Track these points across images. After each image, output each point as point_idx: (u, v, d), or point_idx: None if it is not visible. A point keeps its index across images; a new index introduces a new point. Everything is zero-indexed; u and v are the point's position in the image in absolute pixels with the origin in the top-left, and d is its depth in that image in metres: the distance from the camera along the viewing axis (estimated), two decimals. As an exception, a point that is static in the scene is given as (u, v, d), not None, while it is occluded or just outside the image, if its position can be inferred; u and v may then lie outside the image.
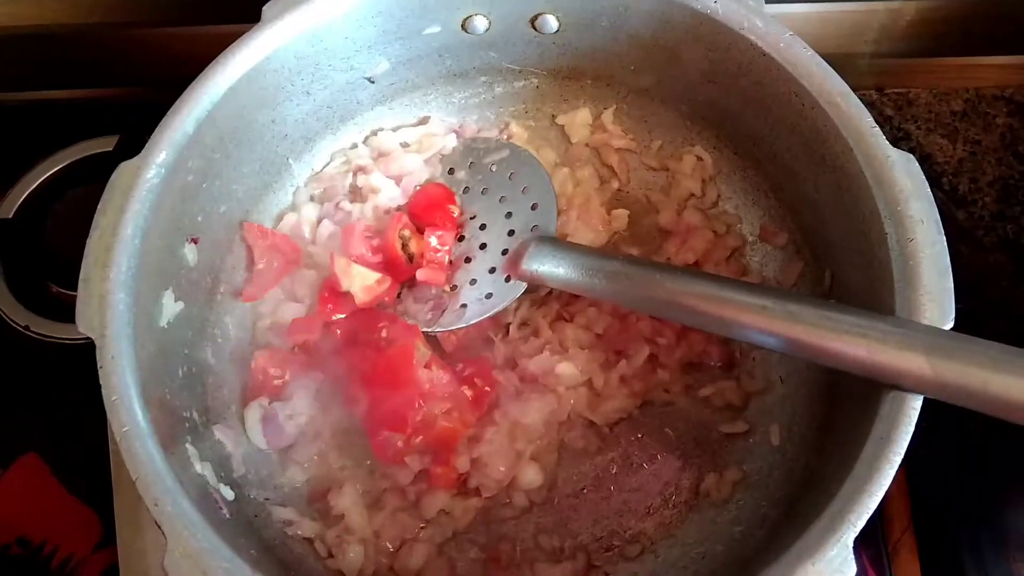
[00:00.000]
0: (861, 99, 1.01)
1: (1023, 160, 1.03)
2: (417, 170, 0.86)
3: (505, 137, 0.89)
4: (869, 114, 0.68)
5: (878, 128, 0.67)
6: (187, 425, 0.69)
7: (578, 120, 0.89)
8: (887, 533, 0.81)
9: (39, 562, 0.84)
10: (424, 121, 0.89)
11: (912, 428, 0.58)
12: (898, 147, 1.00)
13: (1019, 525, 0.76)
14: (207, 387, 0.76)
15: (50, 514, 0.85)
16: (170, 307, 0.71)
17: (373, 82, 0.84)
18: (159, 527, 0.56)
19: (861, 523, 0.55)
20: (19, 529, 0.85)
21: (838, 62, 0.70)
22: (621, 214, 0.86)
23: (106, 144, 1.00)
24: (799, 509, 0.67)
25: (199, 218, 0.74)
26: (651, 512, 0.77)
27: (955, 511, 0.81)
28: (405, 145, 0.88)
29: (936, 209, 0.64)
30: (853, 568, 0.55)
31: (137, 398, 0.61)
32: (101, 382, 0.61)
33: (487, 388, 0.77)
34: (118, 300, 0.63)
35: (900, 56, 1.07)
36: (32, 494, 0.86)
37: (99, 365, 0.61)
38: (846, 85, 0.69)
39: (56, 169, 1.00)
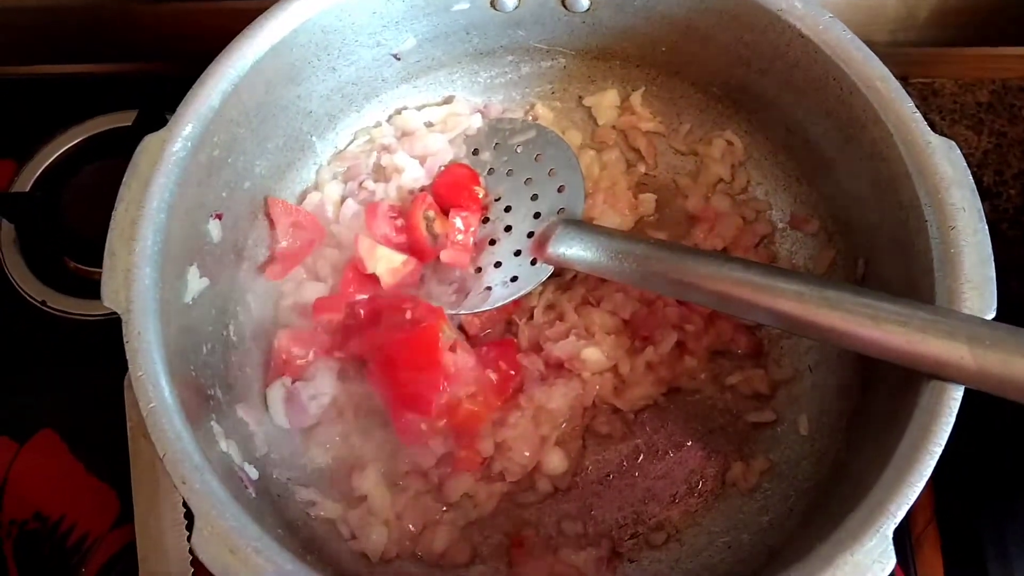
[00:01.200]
0: (885, 87, 1.02)
1: (1049, 152, 1.01)
2: (442, 150, 0.85)
3: (531, 118, 0.88)
4: (910, 99, 0.66)
5: (919, 114, 0.66)
6: (211, 403, 0.69)
7: (606, 102, 0.87)
8: (910, 526, 0.81)
9: (56, 539, 0.83)
10: (449, 100, 0.88)
11: (953, 419, 0.57)
12: (923, 137, 1.01)
13: (1045, 519, 0.75)
14: (230, 365, 0.75)
15: (67, 491, 0.85)
16: (195, 283, 0.70)
17: (399, 59, 0.82)
18: (186, 505, 0.55)
19: (901, 514, 0.54)
20: (36, 505, 0.84)
21: None
22: (648, 198, 0.85)
23: (125, 119, 0.98)
24: (828, 500, 0.67)
25: (223, 194, 0.73)
26: (676, 500, 0.77)
27: (978, 504, 0.80)
28: (429, 125, 0.86)
29: (977, 197, 0.63)
30: (892, 559, 0.54)
31: (163, 374, 0.60)
32: (128, 357, 0.60)
33: (512, 372, 0.76)
34: (144, 274, 0.62)
35: (924, 45, 1.06)
36: (49, 471, 0.86)
37: (125, 340, 0.60)
38: (886, 69, 0.67)
39: (74, 143, 0.99)
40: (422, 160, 0.85)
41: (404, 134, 0.86)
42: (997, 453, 0.81)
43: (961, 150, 1.00)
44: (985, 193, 1.00)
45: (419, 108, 0.87)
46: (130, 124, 0.97)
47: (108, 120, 0.99)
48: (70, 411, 0.87)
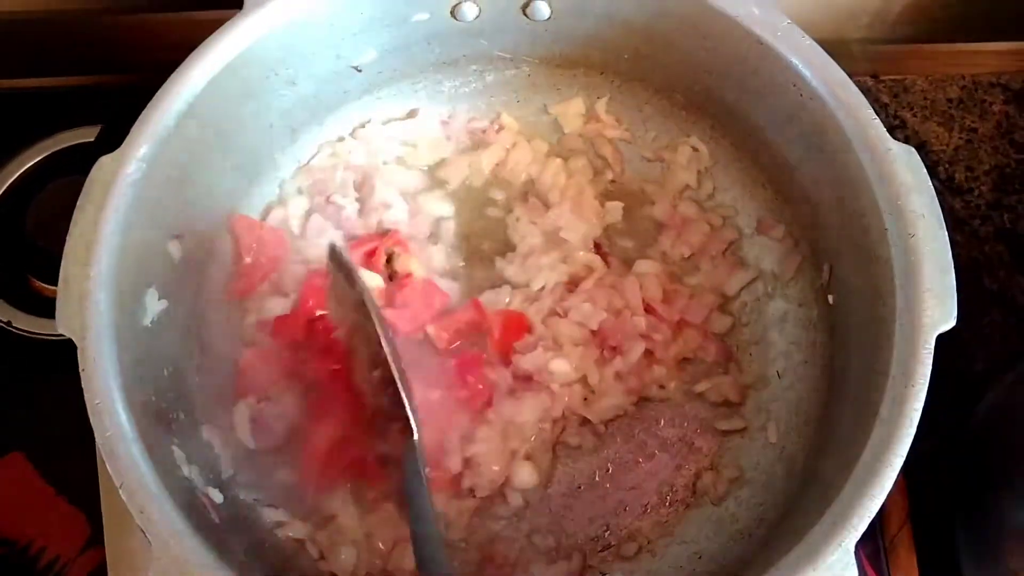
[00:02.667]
0: (857, 85, 1.02)
1: (1019, 148, 1.02)
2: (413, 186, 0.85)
3: (497, 127, 0.87)
4: (869, 105, 0.66)
5: (878, 120, 0.66)
6: (173, 427, 0.68)
7: (571, 110, 0.87)
8: (884, 529, 0.81)
9: (25, 562, 0.82)
10: (413, 114, 0.87)
11: (913, 431, 0.57)
12: (894, 135, 1.00)
13: (1017, 521, 0.75)
14: (193, 387, 0.74)
15: (36, 514, 0.84)
16: (153, 305, 0.69)
17: (360, 71, 0.82)
18: (146, 535, 0.55)
19: (862, 527, 0.55)
20: (4, 530, 0.83)
21: (833, 48, 0.69)
22: (615, 206, 0.85)
23: (88, 134, 0.97)
24: (798, 508, 0.67)
25: (183, 213, 0.73)
26: (648, 510, 0.77)
27: (952, 506, 0.80)
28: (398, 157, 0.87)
29: (938, 204, 0.63)
30: (854, 572, 0.54)
31: (121, 401, 0.59)
32: (83, 386, 0.59)
33: (480, 387, 0.76)
34: (99, 300, 0.61)
35: (895, 42, 1.07)
36: (17, 494, 0.85)
37: (80, 368, 0.60)
38: (845, 75, 0.67)
39: (36, 160, 0.97)
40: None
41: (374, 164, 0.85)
42: (970, 454, 0.81)
43: (932, 146, 1.03)
44: (957, 189, 1.00)
45: (384, 123, 0.87)
46: (93, 140, 0.96)
47: (72, 136, 0.98)
48: (38, 433, 0.86)
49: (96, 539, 0.81)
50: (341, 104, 0.84)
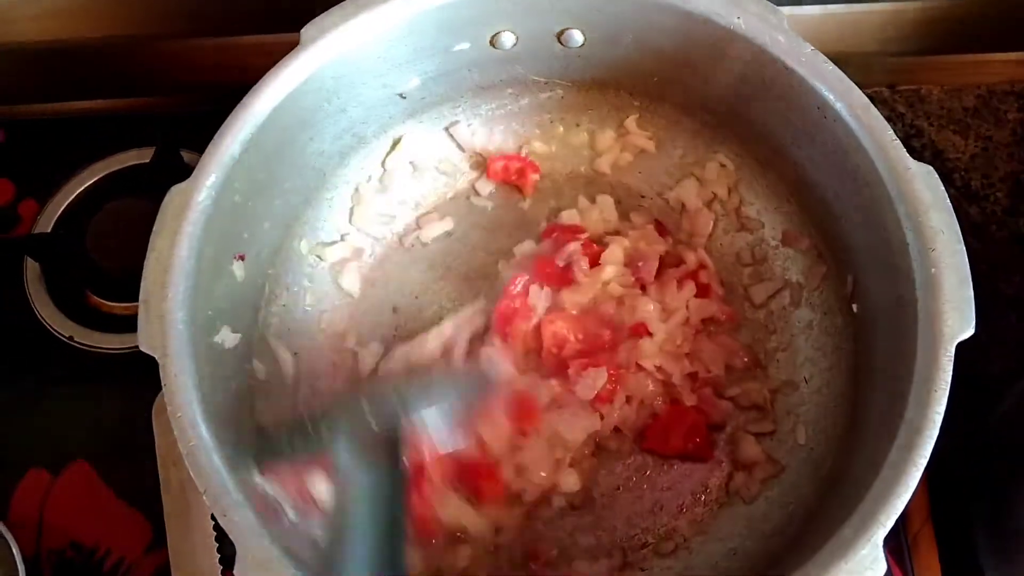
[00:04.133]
0: (873, 96, 1.05)
1: (1034, 155, 1.04)
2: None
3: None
4: (889, 127, 0.70)
5: (898, 140, 0.69)
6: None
7: (604, 137, 0.93)
8: (907, 526, 0.84)
9: (92, 565, 0.87)
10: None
11: (936, 433, 0.61)
12: (911, 143, 1.04)
13: (1034, 516, 0.78)
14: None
15: (101, 519, 0.88)
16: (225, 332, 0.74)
17: (404, 97, 0.86)
18: (230, 537, 0.59)
19: (890, 523, 0.58)
20: (72, 534, 0.88)
21: (850, 60, 0.72)
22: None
23: (140, 156, 1.01)
24: (827, 506, 0.70)
25: (245, 235, 0.77)
26: (683, 510, 0.80)
27: (972, 504, 0.83)
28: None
29: (955, 220, 0.67)
30: (883, 565, 0.58)
31: (200, 413, 0.64)
32: (166, 399, 0.64)
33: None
34: (177, 319, 0.66)
35: (911, 54, 1.09)
36: (83, 500, 0.89)
37: (163, 384, 0.64)
38: (867, 99, 0.71)
39: (93, 181, 1.01)
40: None
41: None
42: (989, 454, 0.84)
43: (948, 154, 1.06)
44: (973, 196, 1.02)
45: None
46: (147, 161, 1.00)
47: (127, 157, 1.02)
48: (100, 441, 0.91)
49: (158, 541, 0.85)
50: (386, 128, 0.89)
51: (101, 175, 1.02)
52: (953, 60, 1.08)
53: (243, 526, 0.59)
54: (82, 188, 1.01)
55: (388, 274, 0.90)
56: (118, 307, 0.95)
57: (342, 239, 0.89)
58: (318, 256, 0.88)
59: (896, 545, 0.83)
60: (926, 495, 0.85)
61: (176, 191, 0.70)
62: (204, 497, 0.61)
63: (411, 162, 0.91)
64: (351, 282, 0.88)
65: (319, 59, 0.75)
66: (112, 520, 0.88)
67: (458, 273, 0.90)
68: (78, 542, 0.88)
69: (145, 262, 0.68)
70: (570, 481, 0.79)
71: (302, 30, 0.75)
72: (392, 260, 0.91)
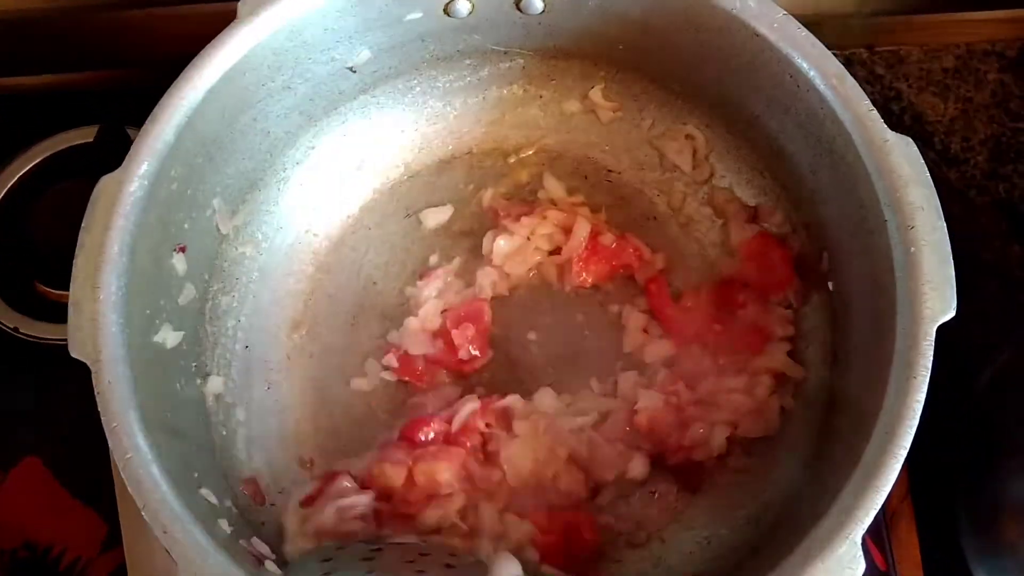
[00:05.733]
0: (851, 58, 1.02)
1: (1015, 117, 1.01)
2: None
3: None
4: (866, 97, 0.66)
5: (875, 111, 0.66)
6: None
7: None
8: (886, 503, 0.82)
9: (47, 565, 0.84)
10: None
11: (916, 422, 0.58)
12: (889, 107, 1.01)
13: (1015, 494, 0.77)
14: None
15: (55, 517, 0.86)
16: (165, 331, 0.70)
17: (355, 72, 0.81)
18: (172, 556, 0.56)
19: (868, 520, 0.56)
20: (25, 533, 0.85)
21: (828, 21, 0.69)
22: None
23: (86, 135, 0.96)
24: (805, 495, 0.68)
25: (185, 225, 0.73)
26: (656, 496, 0.78)
27: (952, 479, 0.81)
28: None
29: (935, 195, 0.64)
30: (862, 564, 0.56)
31: (138, 422, 0.60)
32: (100, 408, 0.60)
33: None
34: (111, 322, 0.62)
35: (890, 13, 1.05)
36: (35, 498, 0.86)
37: (96, 391, 0.61)
38: (842, 67, 0.67)
39: (36, 162, 0.96)
40: None
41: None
42: (969, 428, 0.83)
43: (928, 117, 1.03)
44: (953, 160, 1.00)
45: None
46: (91, 140, 0.95)
47: (72, 136, 0.97)
48: (52, 437, 0.88)
49: (114, 540, 0.83)
50: (337, 105, 0.84)
51: (44, 156, 0.97)
52: (932, 19, 1.04)
53: (184, 542, 0.56)
54: (24, 170, 0.96)
55: (343, 259, 0.86)
56: (66, 296, 0.89)
57: (292, 224, 0.85)
58: (268, 243, 0.83)
59: (874, 523, 0.80)
60: (906, 470, 0.82)
61: (106, 182, 0.66)
62: (143, 513, 0.57)
63: (365, 141, 0.87)
64: (304, 269, 0.85)
65: (258, 34, 0.70)
66: (66, 518, 0.86)
67: (415, 256, 0.86)
68: (31, 541, 0.85)
69: (74, 261, 0.64)
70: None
71: (239, 4, 0.70)
72: (347, 244, 0.87)
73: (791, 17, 0.69)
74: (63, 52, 1.02)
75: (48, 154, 0.97)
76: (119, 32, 1.00)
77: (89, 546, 0.85)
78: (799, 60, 0.68)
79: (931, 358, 0.60)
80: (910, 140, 0.65)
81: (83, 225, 0.65)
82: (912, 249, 0.62)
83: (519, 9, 0.78)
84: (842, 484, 0.59)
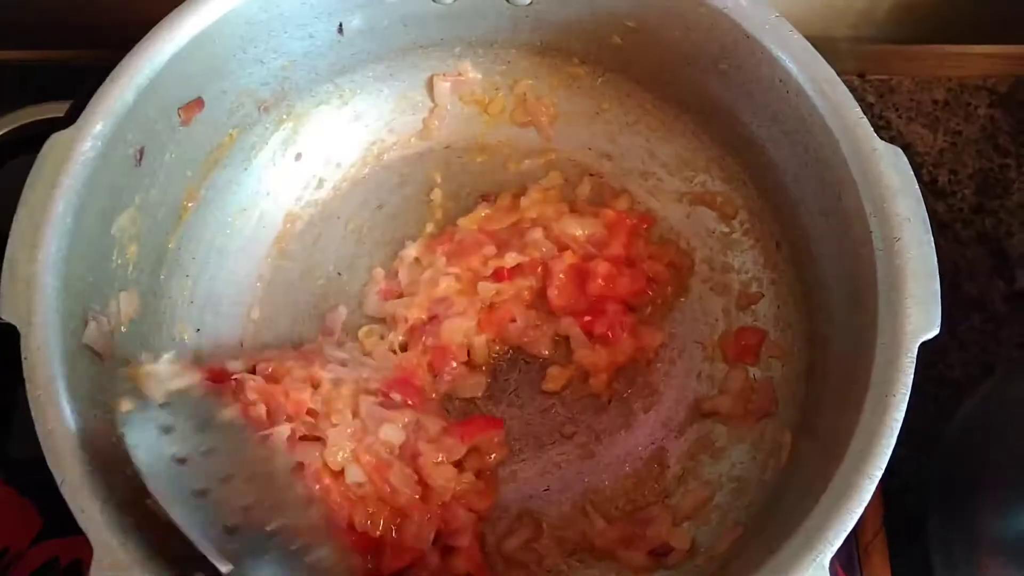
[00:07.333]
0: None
1: (1003, 153, 1.00)
2: None
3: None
4: (856, 104, 0.65)
5: (865, 119, 0.64)
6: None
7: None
8: (859, 535, 0.80)
9: (-29, 554, 0.80)
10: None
11: (893, 442, 0.55)
12: (879, 135, 0.99)
13: (991, 530, 0.74)
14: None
15: (-16, 505, 0.81)
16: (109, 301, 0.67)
17: (332, 51, 0.78)
18: (87, 536, 0.52)
19: (838, 542, 0.53)
20: (-51, 523, 0.80)
21: (820, 45, 0.67)
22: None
23: (57, 110, 0.91)
24: (776, 512, 0.65)
25: (138, 195, 0.69)
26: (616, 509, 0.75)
27: (927, 513, 0.78)
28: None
29: (924, 207, 0.61)
30: (829, 588, 0.52)
31: (65, 392, 0.56)
32: (25, 375, 0.56)
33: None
34: (46, 284, 0.58)
35: (882, 42, 1.05)
36: (-37, 484, 0.81)
37: (23, 356, 0.57)
38: (833, 72, 0.65)
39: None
40: None
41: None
42: (946, 462, 0.80)
43: (917, 148, 1.01)
44: (940, 192, 0.98)
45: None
46: (62, 115, 0.91)
47: (39, 110, 0.93)
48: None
49: (48, 532, 0.78)
50: (312, 85, 0.81)
51: (7, 129, 0.92)
52: (925, 51, 1.05)
53: (101, 525, 0.52)
54: (-13, 141, 0.92)
55: (307, 247, 0.83)
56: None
57: (255, 206, 0.81)
58: (229, 224, 0.80)
59: (847, 555, 0.78)
60: (881, 504, 0.80)
61: (57, 138, 0.63)
62: (61, 489, 0.53)
63: (337, 125, 0.84)
64: (264, 253, 0.81)
65: (230, 1, 0.67)
66: (-1, 508, 0.80)
67: (381, 243, 0.84)
68: (-44, 531, 0.80)
69: (15, 217, 0.60)
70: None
71: (213, -32, 0.67)
72: (312, 232, 0.84)
73: (784, 19, 0.67)
74: (36, 27, 1.00)
75: (11, 127, 0.92)
76: (96, 7, 0.98)
77: (20, 538, 0.79)
78: (789, 63, 0.66)
79: (911, 376, 0.57)
80: (899, 150, 0.63)
81: (28, 181, 0.61)
82: (897, 262, 0.60)
83: (506, -1, 0.76)
84: (811, 505, 0.55)
